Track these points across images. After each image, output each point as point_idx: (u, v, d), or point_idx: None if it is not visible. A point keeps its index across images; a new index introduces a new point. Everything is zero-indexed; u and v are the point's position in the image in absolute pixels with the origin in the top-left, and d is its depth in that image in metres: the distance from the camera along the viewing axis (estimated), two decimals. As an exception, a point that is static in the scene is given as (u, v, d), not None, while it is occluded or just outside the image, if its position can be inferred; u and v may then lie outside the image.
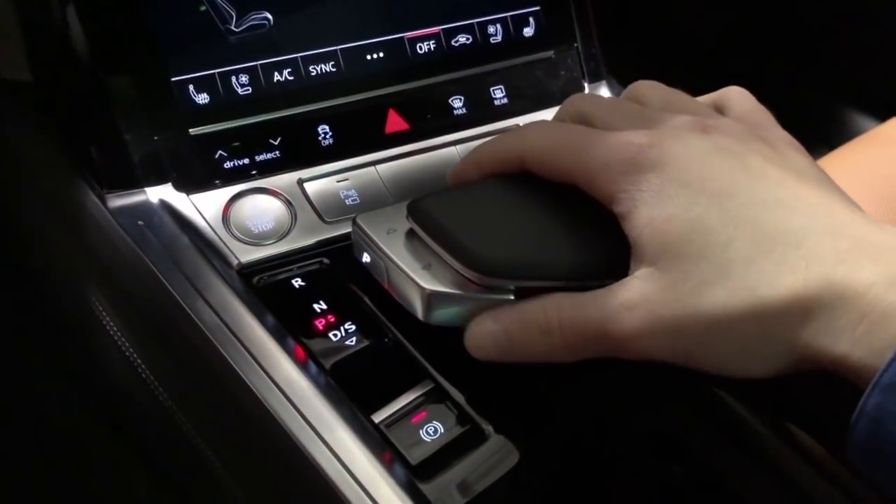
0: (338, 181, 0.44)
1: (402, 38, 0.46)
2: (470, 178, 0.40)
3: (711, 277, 0.31)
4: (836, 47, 0.88)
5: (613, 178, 0.34)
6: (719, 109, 0.40)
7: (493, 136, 0.41)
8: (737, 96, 0.40)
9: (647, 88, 0.40)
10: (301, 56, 0.44)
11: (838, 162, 0.66)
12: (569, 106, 0.40)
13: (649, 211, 0.33)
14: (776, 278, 0.30)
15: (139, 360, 0.43)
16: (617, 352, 0.33)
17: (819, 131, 0.88)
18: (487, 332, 0.35)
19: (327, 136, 0.45)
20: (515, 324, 0.35)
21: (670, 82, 0.42)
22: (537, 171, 0.37)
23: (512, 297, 0.35)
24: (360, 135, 0.45)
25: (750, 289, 0.31)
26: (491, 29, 0.49)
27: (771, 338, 0.31)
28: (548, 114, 0.49)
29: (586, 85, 0.51)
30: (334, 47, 0.45)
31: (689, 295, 0.32)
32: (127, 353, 0.43)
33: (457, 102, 0.48)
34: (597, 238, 0.36)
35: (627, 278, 0.34)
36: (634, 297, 0.32)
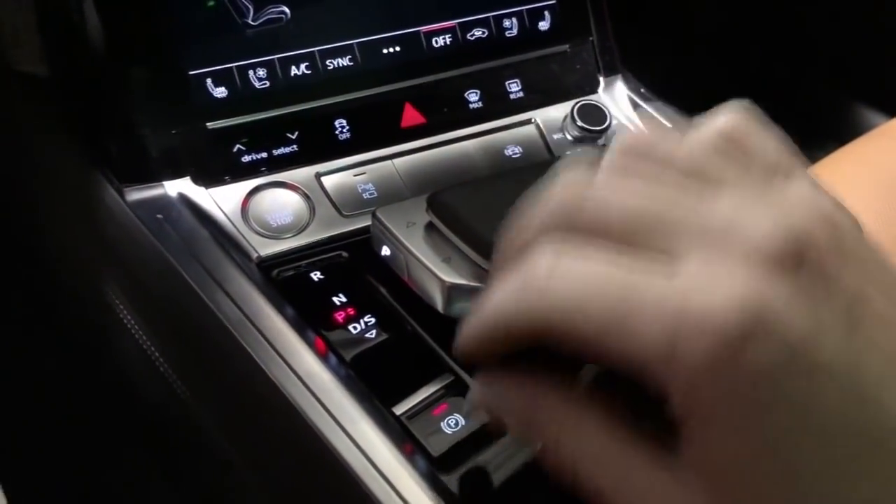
0: (355, 175, 0.44)
1: (418, 32, 0.46)
2: (479, 360, 0.27)
3: None
4: (846, 42, 0.88)
5: (678, 378, 0.22)
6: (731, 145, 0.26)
7: (495, 284, 0.25)
8: (753, 134, 0.25)
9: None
10: (318, 50, 0.44)
11: (848, 158, 0.66)
12: (605, 196, 0.24)
13: (722, 446, 0.22)
14: None
15: (157, 354, 0.43)
16: None
17: (829, 127, 0.88)
18: (479, 396, 0.27)
19: (344, 130, 0.45)
20: (502, 410, 0.27)
21: (682, 75, 0.42)
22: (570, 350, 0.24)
23: (532, 290, 0.35)
24: (376, 129, 0.45)
25: None
26: (506, 23, 0.49)
27: None
28: (564, 108, 0.49)
29: (601, 79, 0.51)
30: (351, 41, 0.45)
31: None
32: (144, 347, 0.44)
33: (472, 96, 0.48)
34: None
35: (669, 482, 0.23)
36: None
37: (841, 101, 0.92)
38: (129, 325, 0.44)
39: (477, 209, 0.37)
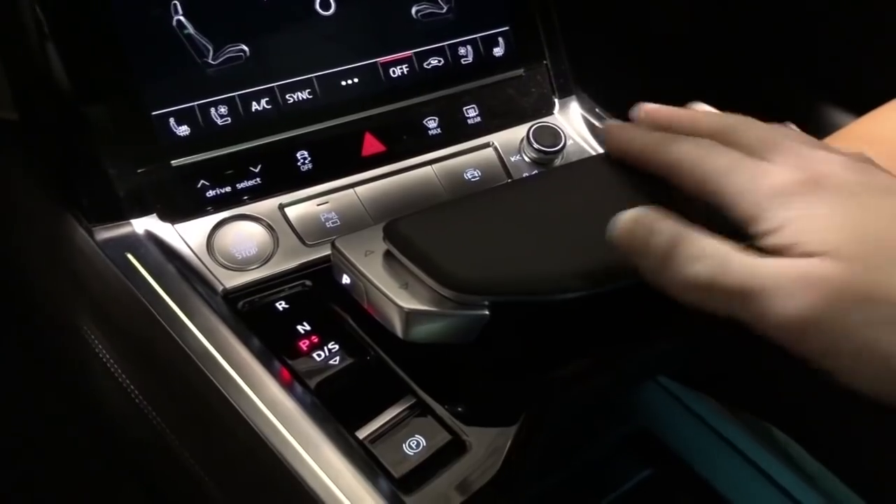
0: (318, 205, 0.45)
1: (376, 63, 0.48)
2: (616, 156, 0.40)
3: None
4: (799, 42, 0.89)
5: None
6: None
7: (647, 132, 0.39)
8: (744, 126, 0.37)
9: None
10: (278, 85, 0.45)
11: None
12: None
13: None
14: None
15: (132, 387, 0.44)
16: None
17: (805, 131, 0.89)
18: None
19: (306, 162, 0.46)
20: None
21: (640, 88, 0.43)
22: (681, 187, 0.36)
23: (486, 313, 0.37)
24: (338, 159, 0.47)
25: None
26: (462, 50, 0.50)
27: None
28: (520, 130, 0.50)
29: (556, 100, 0.52)
30: (310, 75, 0.46)
31: None
32: (120, 380, 0.45)
33: (431, 123, 0.49)
34: (570, 252, 0.38)
35: None
36: None
37: (817, 106, 0.93)
38: (104, 359, 0.45)
39: (432, 236, 0.38)
